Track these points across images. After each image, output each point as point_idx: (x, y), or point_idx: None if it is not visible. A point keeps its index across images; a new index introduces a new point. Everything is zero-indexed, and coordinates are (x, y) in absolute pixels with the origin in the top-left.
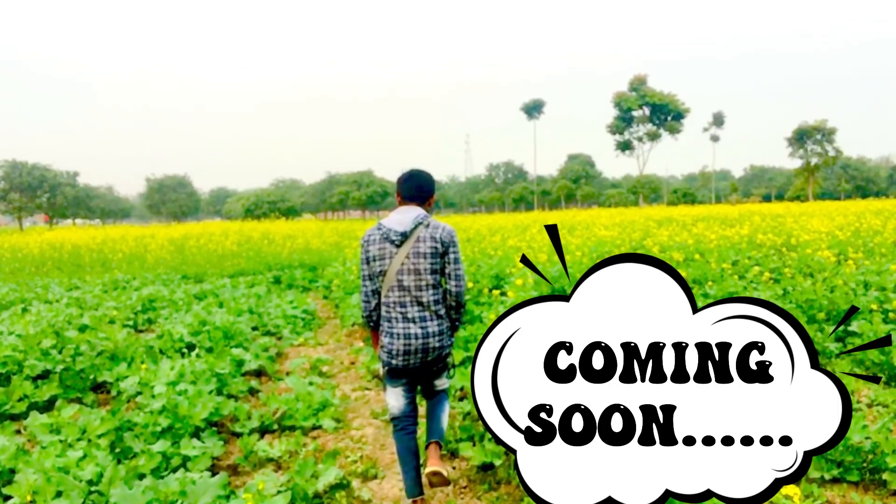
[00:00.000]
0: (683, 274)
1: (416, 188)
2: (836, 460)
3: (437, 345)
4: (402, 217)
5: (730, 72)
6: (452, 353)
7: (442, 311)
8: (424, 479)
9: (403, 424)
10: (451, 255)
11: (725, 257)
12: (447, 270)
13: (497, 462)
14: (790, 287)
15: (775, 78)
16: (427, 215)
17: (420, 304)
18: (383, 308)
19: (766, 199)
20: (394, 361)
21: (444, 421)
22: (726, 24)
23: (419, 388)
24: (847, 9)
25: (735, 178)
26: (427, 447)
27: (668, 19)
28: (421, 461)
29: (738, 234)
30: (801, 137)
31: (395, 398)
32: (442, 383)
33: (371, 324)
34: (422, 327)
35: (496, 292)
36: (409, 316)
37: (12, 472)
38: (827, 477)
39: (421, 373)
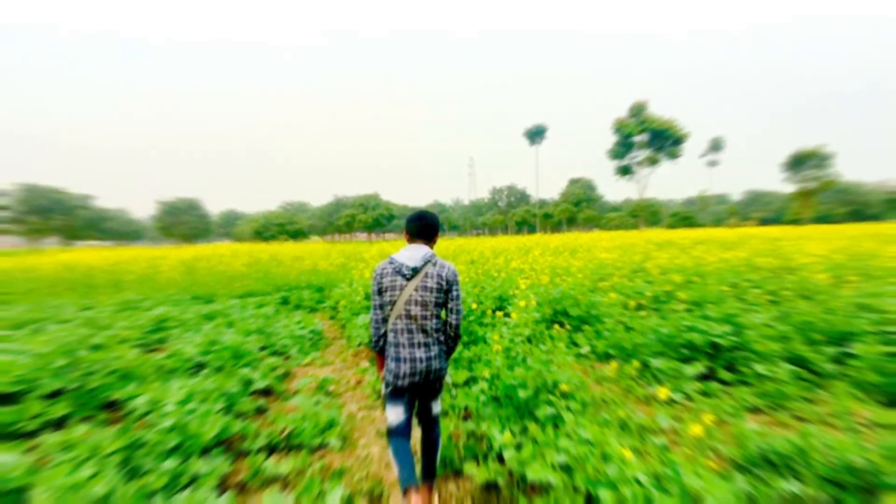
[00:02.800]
0: (683, 296)
1: (424, 228)
2: (836, 481)
3: (438, 366)
4: (413, 254)
5: (729, 97)
6: (447, 374)
7: (441, 338)
8: None
9: (399, 434)
10: (454, 292)
11: (724, 280)
12: (450, 305)
13: (501, 481)
14: (788, 309)
15: (774, 103)
16: (434, 254)
17: (424, 331)
18: (391, 334)
19: (764, 222)
20: (399, 382)
21: (437, 459)
22: (727, 49)
23: (416, 407)
24: (847, 36)
25: (733, 201)
26: (421, 485)
27: (669, 46)
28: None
29: (736, 257)
30: (798, 162)
31: (394, 414)
32: (437, 407)
33: (378, 349)
34: (425, 351)
35: (499, 314)
36: (415, 341)
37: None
38: (826, 498)
39: (421, 390)
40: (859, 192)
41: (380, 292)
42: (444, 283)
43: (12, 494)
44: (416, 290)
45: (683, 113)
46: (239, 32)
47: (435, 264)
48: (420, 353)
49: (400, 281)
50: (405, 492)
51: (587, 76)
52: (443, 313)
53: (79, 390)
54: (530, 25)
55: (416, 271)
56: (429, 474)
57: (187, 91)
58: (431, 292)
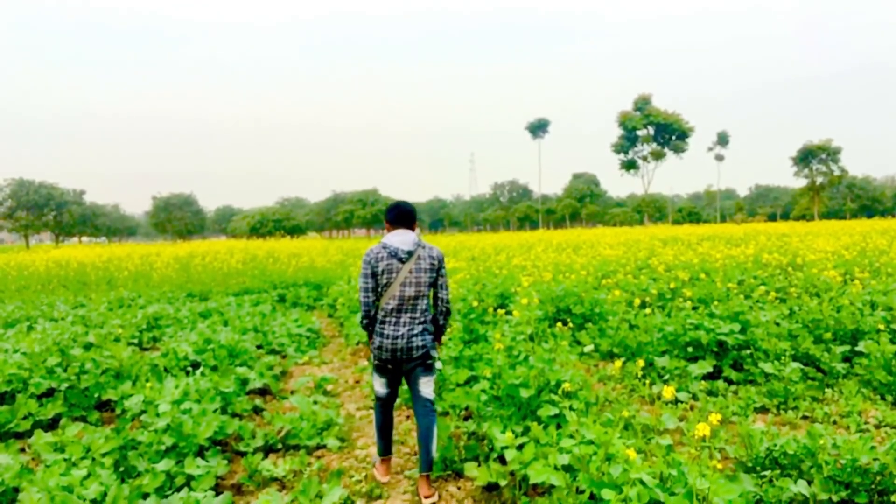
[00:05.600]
0: (688, 293)
1: (403, 216)
2: (845, 481)
3: (420, 343)
4: (404, 238)
5: (735, 92)
6: (435, 352)
7: (429, 317)
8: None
9: (384, 403)
10: (443, 271)
11: (731, 277)
12: (440, 282)
13: (502, 482)
14: (796, 307)
15: (781, 98)
16: (420, 238)
17: (413, 310)
18: (381, 313)
19: (772, 217)
20: (383, 356)
21: (434, 448)
22: (733, 42)
23: (410, 397)
24: (853, 31)
25: (740, 196)
26: (419, 477)
27: (672, 39)
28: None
29: (743, 254)
30: (806, 157)
31: (380, 386)
32: (427, 389)
33: (369, 327)
34: (409, 329)
35: (501, 311)
36: (402, 321)
37: (16, 490)
38: (835, 499)
39: (406, 366)
40: (868, 187)
41: (374, 276)
42: (435, 263)
43: (4, 496)
44: (410, 272)
45: (690, 106)
46: (234, 20)
47: (424, 247)
48: (403, 330)
49: (396, 264)
50: (380, 460)
51: (591, 66)
52: (430, 293)
53: (71, 390)
54: (531, 13)
55: (410, 255)
56: (426, 466)
57: (178, 85)
58: (425, 273)
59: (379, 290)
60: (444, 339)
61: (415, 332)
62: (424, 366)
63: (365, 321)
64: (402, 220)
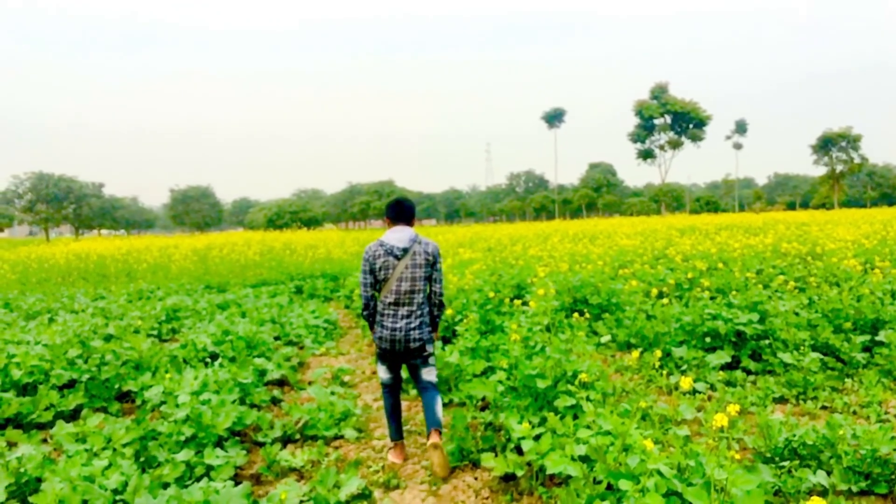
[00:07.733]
0: (706, 283)
1: (403, 212)
2: (864, 472)
3: (418, 335)
4: (401, 235)
5: (754, 82)
6: (432, 344)
7: (425, 310)
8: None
9: (390, 388)
10: (438, 265)
11: (749, 266)
12: (435, 276)
13: (519, 473)
14: (816, 296)
15: (800, 87)
16: (417, 234)
17: (410, 304)
18: (380, 305)
19: (791, 206)
20: (383, 346)
21: (439, 412)
22: (752, 35)
23: (413, 382)
24: (872, 21)
25: (759, 185)
26: (428, 434)
27: (690, 35)
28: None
29: (762, 243)
30: (825, 144)
31: (383, 372)
32: (429, 376)
33: (370, 319)
34: (406, 322)
35: (517, 302)
36: (399, 314)
37: (38, 480)
38: (854, 489)
39: (405, 355)
40: (889, 175)
41: (372, 272)
42: (430, 258)
43: (27, 486)
44: (406, 267)
45: (707, 96)
46: (240, 13)
47: (420, 243)
48: (400, 324)
49: (392, 261)
50: (393, 445)
51: (607, 56)
52: (427, 287)
53: (92, 381)
54: (544, 10)
55: (405, 251)
56: (432, 423)
57: (196, 76)
58: (420, 268)
59: (378, 285)
60: (460, 329)
61: (412, 325)
62: (422, 358)
63: (365, 313)
64: (401, 217)
